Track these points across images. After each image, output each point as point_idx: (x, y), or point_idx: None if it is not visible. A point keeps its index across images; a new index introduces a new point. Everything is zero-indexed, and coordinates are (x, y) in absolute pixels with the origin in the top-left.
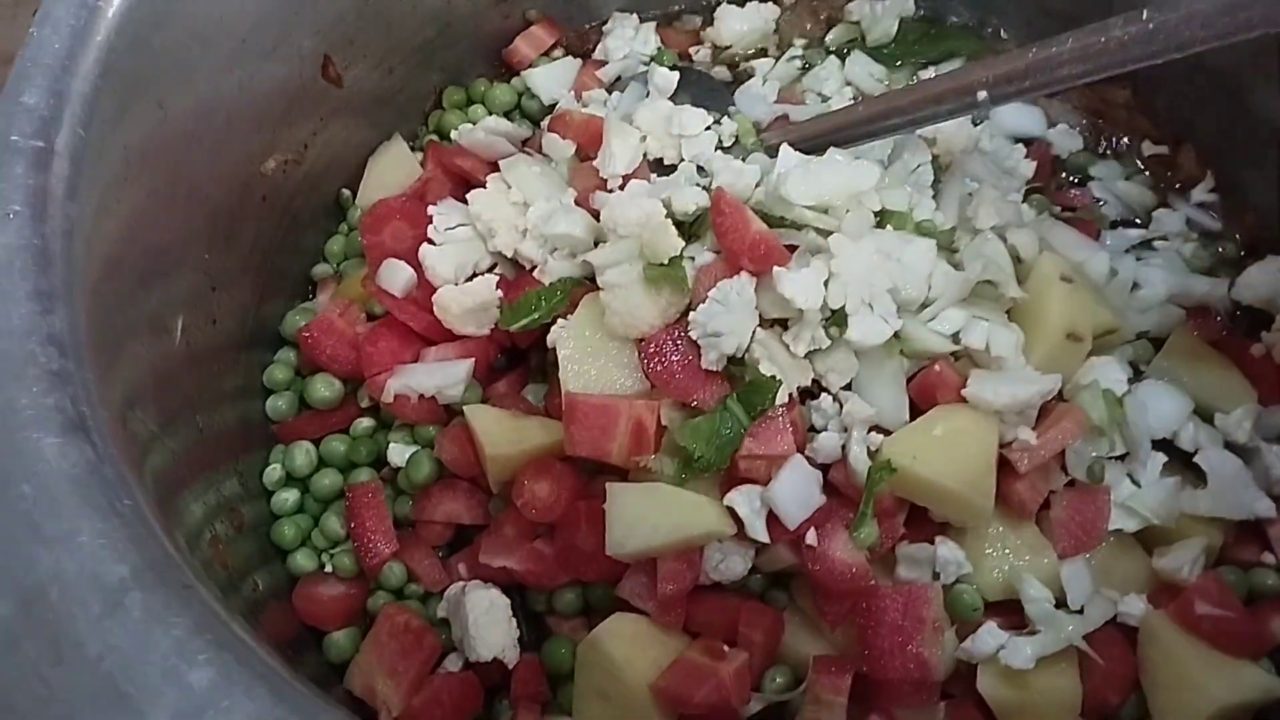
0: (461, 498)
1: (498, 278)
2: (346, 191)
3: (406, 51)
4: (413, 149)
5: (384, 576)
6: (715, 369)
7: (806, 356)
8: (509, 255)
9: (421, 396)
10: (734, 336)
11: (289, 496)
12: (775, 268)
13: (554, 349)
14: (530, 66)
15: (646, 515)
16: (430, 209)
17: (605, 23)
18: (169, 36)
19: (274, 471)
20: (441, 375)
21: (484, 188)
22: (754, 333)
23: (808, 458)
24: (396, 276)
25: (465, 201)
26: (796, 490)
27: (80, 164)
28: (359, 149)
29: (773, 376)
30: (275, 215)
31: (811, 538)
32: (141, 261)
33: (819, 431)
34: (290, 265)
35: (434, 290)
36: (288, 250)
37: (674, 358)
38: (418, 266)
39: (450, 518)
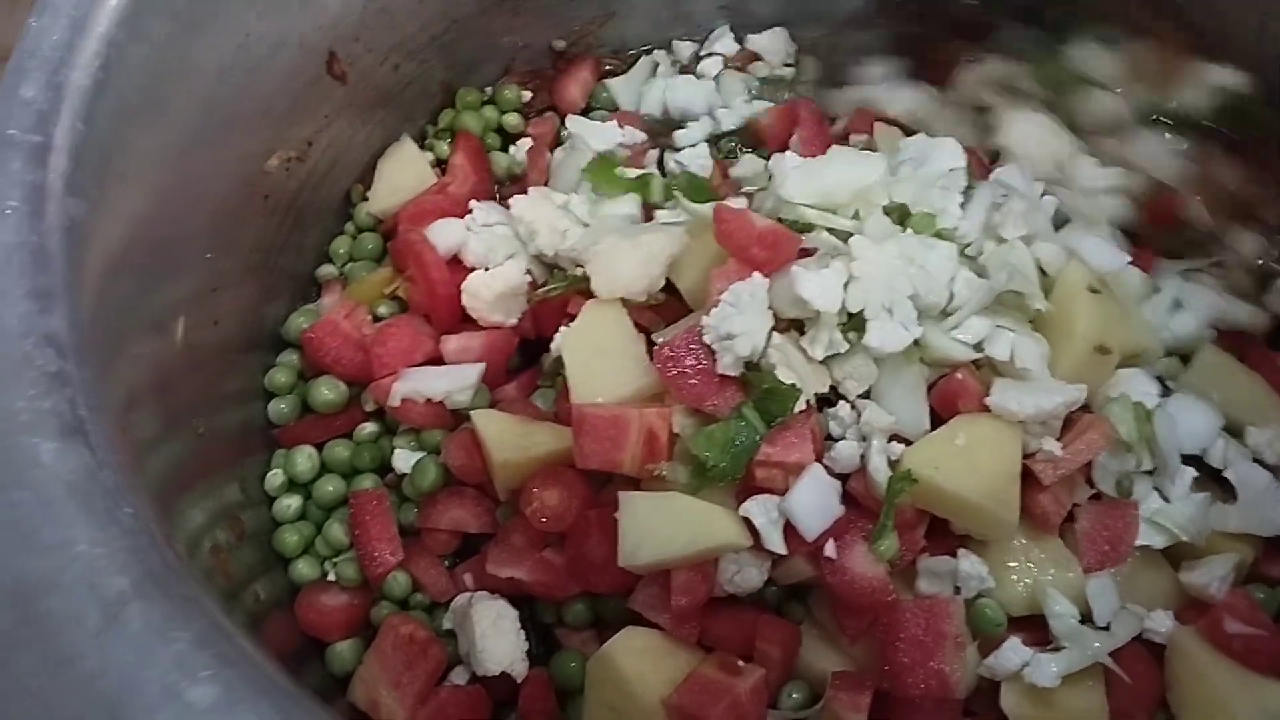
0: (468, 505)
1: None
2: (359, 186)
3: (413, 48)
4: (421, 148)
5: (388, 586)
6: (731, 373)
7: (824, 362)
8: (550, 255)
9: (429, 401)
10: (748, 337)
11: (291, 503)
12: (794, 267)
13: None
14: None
15: (660, 525)
16: (472, 202)
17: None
18: (171, 29)
19: (275, 477)
20: (450, 379)
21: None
22: (770, 336)
23: (826, 467)
24: (447, 234)
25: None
26: (815, 500)
27: (80, 159)
28: (364, 147)
29: (792, 385)
30: (278, 215)
31: (830, 549)
32: (143, 260)
33: (837, 440)
34: (294, 266)
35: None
36: (291, 251)
37: (689, 362)
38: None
39: (457, 526)
